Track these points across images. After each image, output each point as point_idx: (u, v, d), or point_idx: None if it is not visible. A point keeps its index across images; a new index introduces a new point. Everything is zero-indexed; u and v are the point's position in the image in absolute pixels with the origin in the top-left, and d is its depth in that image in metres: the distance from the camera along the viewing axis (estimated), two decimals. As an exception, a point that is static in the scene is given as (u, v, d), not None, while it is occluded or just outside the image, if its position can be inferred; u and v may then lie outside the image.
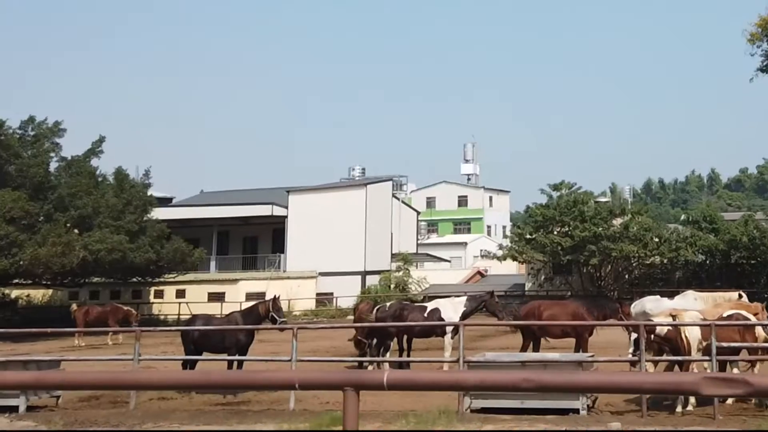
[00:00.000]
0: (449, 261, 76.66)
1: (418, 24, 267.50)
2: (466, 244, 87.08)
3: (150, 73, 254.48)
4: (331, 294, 55.26)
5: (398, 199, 66.55)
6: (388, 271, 57.95)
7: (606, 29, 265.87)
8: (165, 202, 61.24)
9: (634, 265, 49.66)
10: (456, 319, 19.72)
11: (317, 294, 55.67)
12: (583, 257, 46.85)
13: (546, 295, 48.82)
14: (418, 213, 73.94)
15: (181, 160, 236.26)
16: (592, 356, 15.43)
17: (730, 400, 13.96)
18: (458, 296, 21.78)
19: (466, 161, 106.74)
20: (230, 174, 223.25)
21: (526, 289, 52.30)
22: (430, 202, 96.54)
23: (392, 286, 56.42)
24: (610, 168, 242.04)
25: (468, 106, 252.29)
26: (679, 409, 14.06)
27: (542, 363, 14.62)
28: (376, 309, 20.65)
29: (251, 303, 19.62)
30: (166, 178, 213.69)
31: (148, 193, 49.83)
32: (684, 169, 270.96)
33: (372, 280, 57.07)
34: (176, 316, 50.27)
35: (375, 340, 21.91)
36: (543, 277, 52.47)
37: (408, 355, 21.78)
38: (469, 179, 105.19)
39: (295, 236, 57.51)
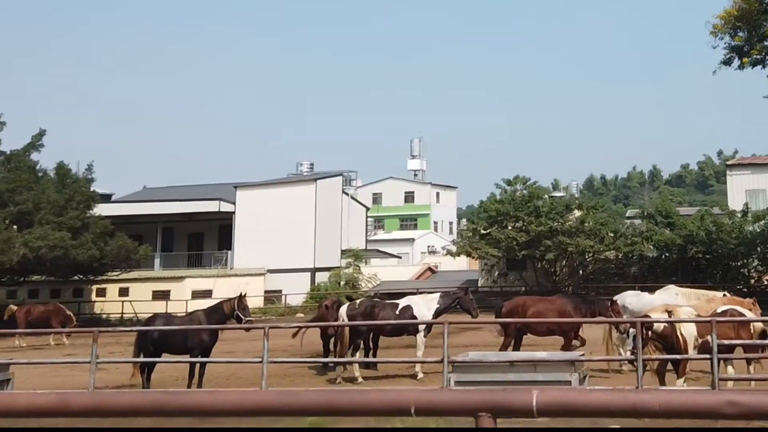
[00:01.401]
0: (400, 257, 75.90)
1: (367, 18, 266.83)
2: (413, 240, 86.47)
3: (89, 65, 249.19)
4: (280, 291, 54.13)
5: (348, 194, 65.54)
6: (338, 267, 56.98)
7: (551, 25, 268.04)
8: (105, 198, 59.34)
9: (588, 260, 49.37)
10: (429, 316, 18.88)
11: (266, 292, 54.45)
12: (539, 252, 46.41)
13: (500, 291, 48.33)
14: (368, 209, 73.05)
15: (120, 156, 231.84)
16: (583, 355, 14.61)
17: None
18: (431, 293, 20.89)
19: (413, 157, 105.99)
20: (174, 170, 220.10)
21: (480, 285, 51.65)
22: (377, 198, 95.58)
23: (342, 283, 55.57)
24: (553, 165, 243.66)
25: (415, 102, 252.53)
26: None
27: (531, 363, 13.75)
28: (345, 306, 19.59)
29: (197, 301, 18.65)
30: (105, 175, 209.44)
31: (91, 189, 48.13)
32: (626, 165, 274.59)
33: (321, 277, 56.15)
34: (119, 315, 49.03)
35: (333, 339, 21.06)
36: (497, 273, 51.88)
37: (374, 354, 20.90)
38: (415, 175, 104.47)
39: (243, 232, 56.33)
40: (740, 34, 34.02)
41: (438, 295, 19.81)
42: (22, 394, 3.11)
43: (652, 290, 20.90)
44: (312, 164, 74.67)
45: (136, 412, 2.90)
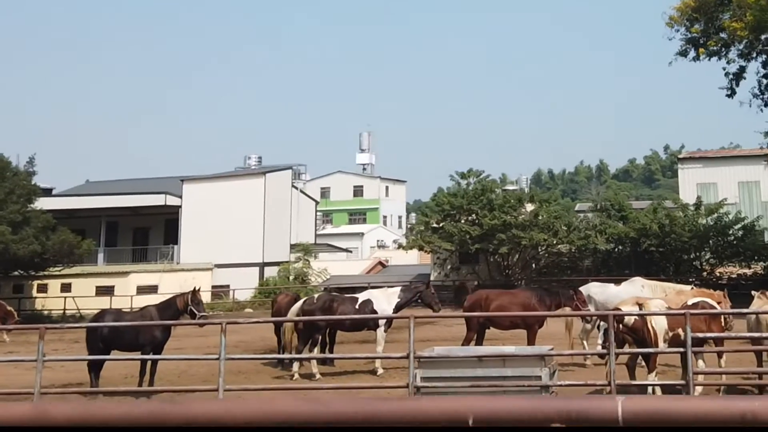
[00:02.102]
0: (351, 252, 75.37)
1: (314, 10, 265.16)
2: (362, 234, 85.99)
3: (29, 56, 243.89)
4: (228, 286, 53.28)
5: (297, 188, 64.82)
6: (287, 262, 56.37)
7: (498, 17, 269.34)
8: (46, 193, 57.87)
9: (542, 253, 49.30)
10: (390, 310, 18.44)
11: (213, 287, 53.53)
12: (492, 246, 46.13)
13: (453, 285, 48.01)
14: (317, 202, 72.41)
15: (61, 149, 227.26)
16: (552, 349, 14.19)
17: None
18: (391, 287, 20.44)
19: (362, 151, 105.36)
20: (118, 164, 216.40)
21: (432, 279, 51.20)
22: (325, 192, 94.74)
23: (291, 277, 54.99)
24: (500, 159, 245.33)
25: (364, 96, 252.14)
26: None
27: (500, 357, 13.27)
28: (303, 301, 19.01)
29: (142, 297, 17.98)
30: (47, 168, 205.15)
31: (33, 182, 46.82)
32: (573, 159, 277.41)
33: (270, 272, 55.50)
34: (61, 312, 47.91)
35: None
36: (449, 267, 51.52)
37: (331, 350, 20.40)
38: (364, 169, 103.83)
39: (190, 227, 55.46)
40: (697, 25, 34.12)
41: (399, 289, 19.40)
42: (112, 407, 2.51)
43: (618, 283, 20.60)
44: (260, 158, 73.87)
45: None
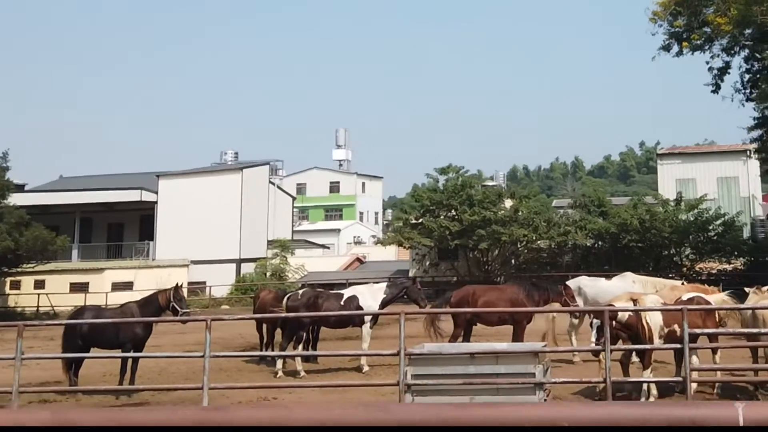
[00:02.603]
0: (329, 248, 75.04)
1: (291, 5, 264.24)
2: (339, 230, 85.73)
3: (2, 51, 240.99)
4: (204, 283, 52.81)
5: (274, 184, 64.40)
6: (264, 258, 56.01)
7: (474, 15, 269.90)
8: (19, 188, 57.05)
9: (521, 249, 49.21)
10: (375, 306, 18.14)
11: (189, 283, 52.96)
12: (472, 242, 46.01)
13: (432, 281, 47.85)
14: (294, 198, 72.02)
15: (34, 145, 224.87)
16: (545, 345, 13.93)
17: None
18: (377, 282, 20.15)
19: (338, 147, 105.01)
20: (92, 159, 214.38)
21: (411, 275, 51.00)
22: (301, 188, 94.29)
23: (269, 274, 54.68)
24: (476, 156, 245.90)
25: (341, 92, 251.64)
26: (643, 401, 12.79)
27: (493, 354, 12.97)
28: (287, 297, 18.64)
29: (117, 293, 17.57)
30: (20, 164, 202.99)
31: (6, 178, 46.04)
32: (548, 156, 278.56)
33: (247, 268, 55.18)
34: (35, 309, 47.16)
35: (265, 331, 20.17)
36: (428, 263, 51.35)
37: (314, 346, 20.07)
38: (341, 165, 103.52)
39: (166, 223, 54.99)
40: (680, 19, 34.11)
41: (384, 284, 19.11)
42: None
43: (608, 278, 20.37)
44: (236, 153, 73.28)
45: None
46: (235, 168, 60.47)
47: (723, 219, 45.73)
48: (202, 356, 13.50)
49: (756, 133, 35.49)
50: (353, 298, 18.27)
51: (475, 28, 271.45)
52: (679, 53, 34.48)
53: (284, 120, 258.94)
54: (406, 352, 12.95)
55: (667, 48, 34.74)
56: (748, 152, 53.63)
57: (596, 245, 47.86)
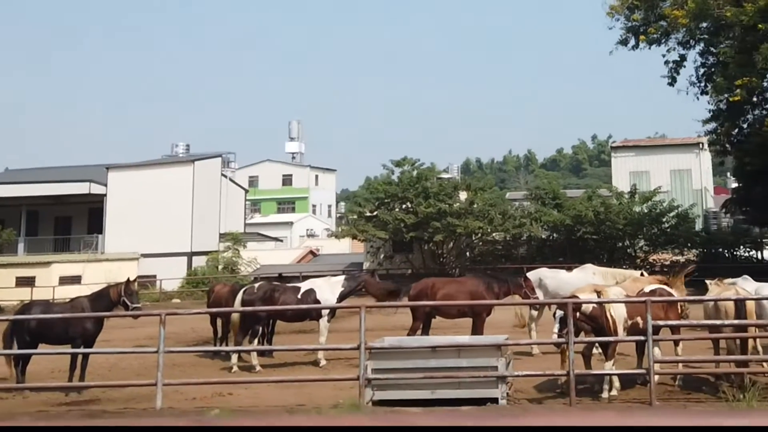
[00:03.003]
0: (281, 240, 74.52)
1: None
2: (292, 223, 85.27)
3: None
4: (155, 276, 52.07)
5: (226, 177, 63.73)
6: (216, 251, 55.46)
7: (428, 6, 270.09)
8: (-44, 183, 55.98)
9: (476, 241, 49.22)
10: (333, 300, 17.83)
11: (139, 276, 52.04)
12: (427, 234, 45.96)
13: (387, 273, 47.64)
14: (246, 191, 71.36)
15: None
16: (507, 338, 13.74)
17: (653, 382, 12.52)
18: (335, 275, 19.86)
19: (291, 139, 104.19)
20: (40, 152, 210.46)
21: (365, 268, 50.80)
22: (253, 181, 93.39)
23: (221, 267, 54.17)
24: (429, 148, 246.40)
25: (294, 84, 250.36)
26: (605, 395, 12.64)
27: (455, 348, 12.77)
28: (243, 291, 18.24)
29: (65, 287, 17.05)
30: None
31: (-50, 170, 45.08)
32: (501, 149, 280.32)
33: (199, 262, 54.61)
34: (-22, 304, 46.17)
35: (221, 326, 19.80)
36: (382, 256, 51.17)
37: (270, 341, 19.73)
38: (293, 158, 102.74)
39: (115, 216, 54.24)
40: (637, 13, 34.29)
41: (343, 278, 18.79)
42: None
43: (569, 269, 20.28)
44: (188, 145, 72.46)
45: None
46: (187, 160, 59.76)
47: (677, 211, 46.29)
48: (156, 352, 13.15)
49: (711, 126, 35.92)
50: (311, 292, 17.94)
51: (427, 19, 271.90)
52: (636, 47, 34.71)
53: (237, 112, 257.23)
54: (367, 346, 12.70)
55: (624, 42, 34.90)
56: (700, 145, 54.49)
57: (551, 237, 48.17)
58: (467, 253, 49.78)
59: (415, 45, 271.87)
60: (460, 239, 48.02)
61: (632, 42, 34.76)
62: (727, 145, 37.62)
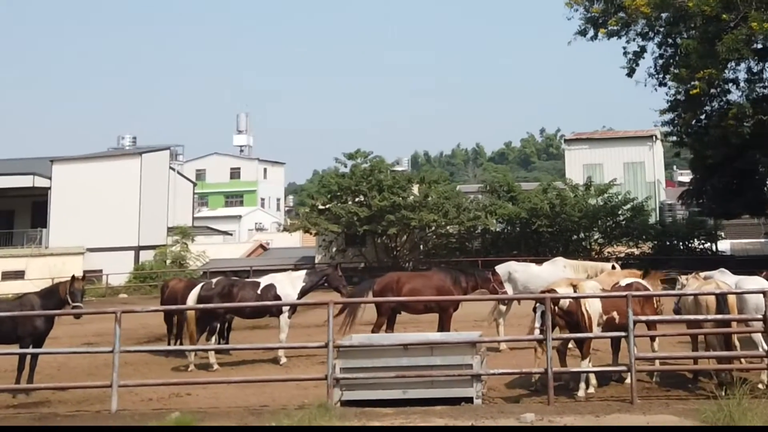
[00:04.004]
0: (231, 234, 73.61)
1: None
2: (240, 217, 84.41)
3: None
4: (101, 271, 51.02)
5: (174, 170, 62.69)
6: (164, 245, 54.57)
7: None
8: None
9: (430, 234, 48.93)
10: (294, 296, 17.20)
11: (85, 271, 51.00)
12: (381, 227, 45.57)
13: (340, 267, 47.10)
14: (195, 184, 70.30)
15: None
16: (481, 335, 13.25)
17: (628, 380, 12.15)
18: (296, 270, 19.23)
19: (239, 132, 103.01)
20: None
21: (317, 261, 50.28)
22: (201, 175, 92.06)
23: (169, 261, 53.34)
24: (376, 141, 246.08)
25: (242, 76, 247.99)
26: (581, 393, 12.20)
27: (428, 345, 12.26)
28: (200, 286, 17.51)
29: (8, 283, 16.18)
30: None
31: None
32: (450, 142, 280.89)
33: (146, 256, 53.75)
34: None
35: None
36: (335, 249, 50.67)
37: (227, 338, 19.05)
38: (242, 151, 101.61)
39: (60, 209, 53.28)
40: (597, 5, 34.16)
41: (304, 272, 18.12)
42: None
43: (538, 263, 19.87)
44: (135, 138, 71.29)
45: None
46: (134, 153, 58.85)
47: (632, 204, 46.50)
48: (112, 351, 12.48)
49: (668, 116, 35.97)
50: (271, 287, 17.28)
51: (374, 13, 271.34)
52: (594, 37, 34.58)
53: (184, 104, 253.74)
54: (335, 344, 12.15)
55: (583, 33, 34.72)
56: (654, 137, 54.82)
57: (506, 230, 47.96)
58: (421, 247, 49.54)
59: (363, 38, 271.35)
60: (414, 232, 47.77)
61: (591, 33, 34.66)
62: (685, 137, 37.70)
